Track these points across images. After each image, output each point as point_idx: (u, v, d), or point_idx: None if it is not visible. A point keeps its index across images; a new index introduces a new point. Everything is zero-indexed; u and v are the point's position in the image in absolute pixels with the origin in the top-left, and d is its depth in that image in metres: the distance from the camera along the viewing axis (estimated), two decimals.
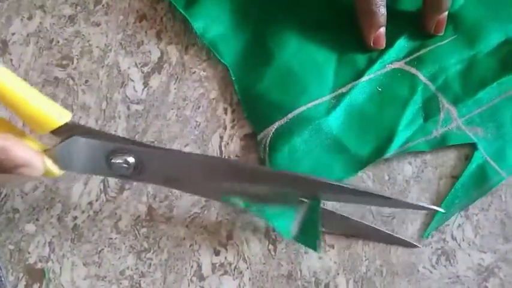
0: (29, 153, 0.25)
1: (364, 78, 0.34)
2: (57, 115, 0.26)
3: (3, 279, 0.29)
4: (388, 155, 0.32)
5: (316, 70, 0.34)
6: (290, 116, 0.32)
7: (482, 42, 0.34)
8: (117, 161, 0.27)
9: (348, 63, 0.34)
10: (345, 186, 0.27)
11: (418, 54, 0.34)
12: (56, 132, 0.26)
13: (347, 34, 0.35)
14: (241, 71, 0.34)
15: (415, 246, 0.30)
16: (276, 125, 0.32)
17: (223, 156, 0.33)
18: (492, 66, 0.34)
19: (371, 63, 0.34)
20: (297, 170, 0.31)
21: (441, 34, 0.35)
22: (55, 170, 0.27)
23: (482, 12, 0.35)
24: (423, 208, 0.29)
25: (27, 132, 0.27)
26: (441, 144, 0.32)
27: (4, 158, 0.24)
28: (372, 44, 0.34)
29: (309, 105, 0.33)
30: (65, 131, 0.26)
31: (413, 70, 0.34)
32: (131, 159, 0.27)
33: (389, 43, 0.34)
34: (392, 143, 0.32)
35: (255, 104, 0.33)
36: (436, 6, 0.34)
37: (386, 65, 0.34)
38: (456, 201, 0.31)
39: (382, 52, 0.34)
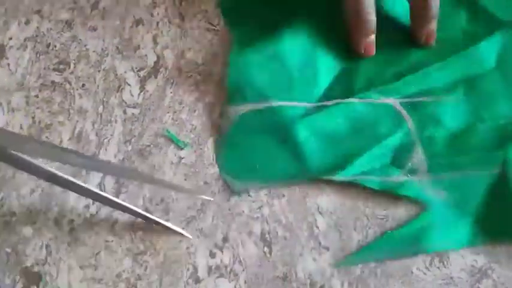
0: None
1: (354, 100, 0.33)
2: None
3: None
4: (337, 178, 0.31)
5: (313, 75, 0.34)
6: (266, 104, 0.32)
7: (488, 112, 0.33)
8: None
9: (346, 79, 0.34)
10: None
11: (419, 100, 0.33)
12: None
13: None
14: (242, 39, 0.35)
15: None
16: (250, 106, 0.32)
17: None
18: (486, 141, 0.32)
19: (368, 87, 0.34)
20: (246, 156, 0.32)
21: (431, 45, 0.34)
22: None
23: (499, 86, 0.34)
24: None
25: None
26: (394, 190, 0.31)
27: None
28: (362, 52, 0.34)
29: (289, 103, 0.33)
30: None
31: (404, 113, 0.33)
32: None
33: (398, 76, 0.34)
34: (346, 169, 0.31)
35: (240, 77, 0.34)
36: (424, 16, 0.33)
37: (381, 97, 0.33)
38: (381, 248, 0.30)
39: (385, 81, 0.34)
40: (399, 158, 0.32)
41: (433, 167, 0.32)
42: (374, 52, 0.34)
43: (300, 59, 0.34)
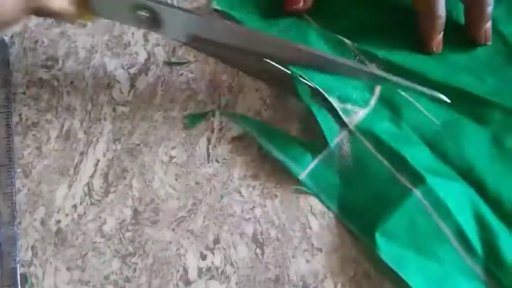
0: (63, 3, 0.28)
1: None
2: None
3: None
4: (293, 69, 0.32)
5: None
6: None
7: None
8: (141, 13, 0.30)
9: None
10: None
11: (381, 58, 0.34)
12: None
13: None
14: None
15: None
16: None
17: (210, 159, 0.32)
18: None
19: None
20: None
21: (489, 43, 0.34)
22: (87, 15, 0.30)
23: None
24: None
25: None
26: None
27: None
28: (434, 49, 0.34)
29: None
30: None
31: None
32: (151, 13, 0.30)
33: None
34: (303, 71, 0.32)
35: None
36: (479, 18, 0.34)
37: (367, 61, 0.34)
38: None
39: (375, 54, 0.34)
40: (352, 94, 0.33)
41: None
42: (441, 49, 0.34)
43: None
